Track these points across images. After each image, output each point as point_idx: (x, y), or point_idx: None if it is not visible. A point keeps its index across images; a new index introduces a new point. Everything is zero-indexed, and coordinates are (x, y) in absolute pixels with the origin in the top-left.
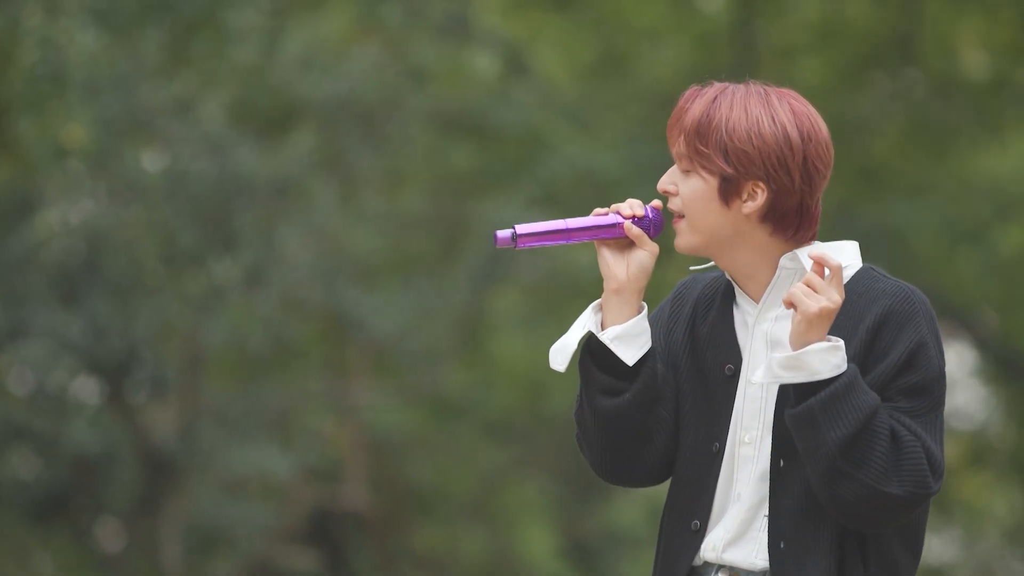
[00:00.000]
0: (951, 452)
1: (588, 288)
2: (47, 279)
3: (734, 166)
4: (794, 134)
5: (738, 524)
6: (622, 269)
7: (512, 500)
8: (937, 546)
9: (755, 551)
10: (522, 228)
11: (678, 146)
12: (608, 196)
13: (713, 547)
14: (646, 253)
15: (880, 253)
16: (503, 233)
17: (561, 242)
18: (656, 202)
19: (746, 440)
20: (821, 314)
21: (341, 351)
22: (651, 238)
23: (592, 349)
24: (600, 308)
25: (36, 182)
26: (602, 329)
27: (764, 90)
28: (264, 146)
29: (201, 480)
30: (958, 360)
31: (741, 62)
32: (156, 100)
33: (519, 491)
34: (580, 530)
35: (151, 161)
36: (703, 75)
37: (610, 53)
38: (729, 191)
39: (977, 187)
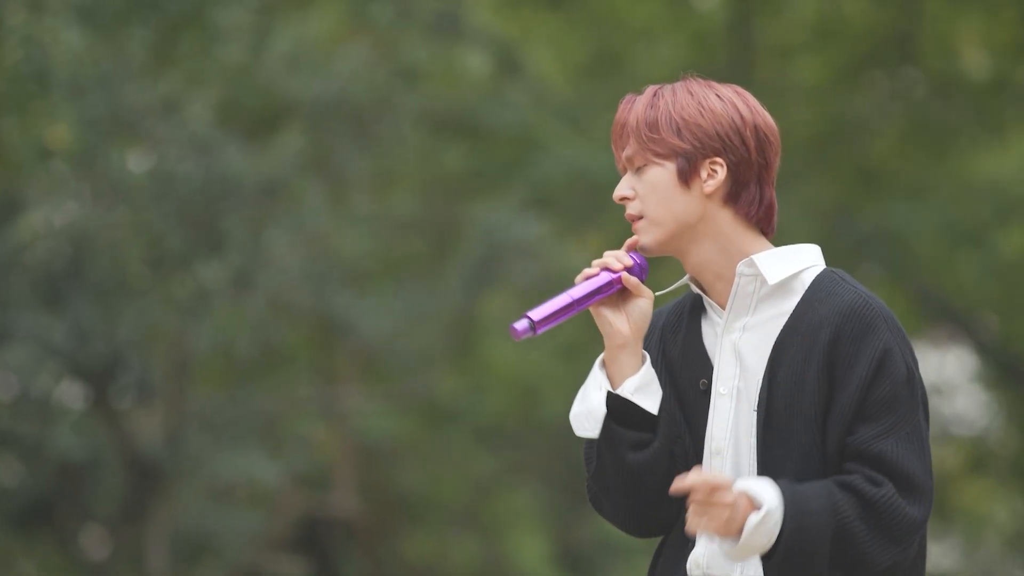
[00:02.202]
0: (952, 459)
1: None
2: (31, 282)
3: (689, 141)
4: (741, 105)
5: (708, 543)
6: (624, 323)
7: (504, 507)
8: (937, 553)
9: (740, 566)
10: (536, 315)
11: (627, 150)
12: (602, 197)
13: (696, 564)
14: (645, 300)
15: (879, 256)
16: (520, 325)
17: (573, 314)
18: (631, 240)
19: (715, 450)
20: (729, 524)
21: (330, 356)
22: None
23: (610, 408)
24: (604, 364)
25: (20, 183)
26: (615, 386)
27: (702, 79)
28: (252, 147)
29: (188, 487)
30: (958, 365)
31: (737, 61)
32: (142, 100)
33: (511, 498)
34: (573, 538)
35: (137, 162)
36: (698, 74)
37: (604, 52)
38: (688, 171)
39: (977, 188)
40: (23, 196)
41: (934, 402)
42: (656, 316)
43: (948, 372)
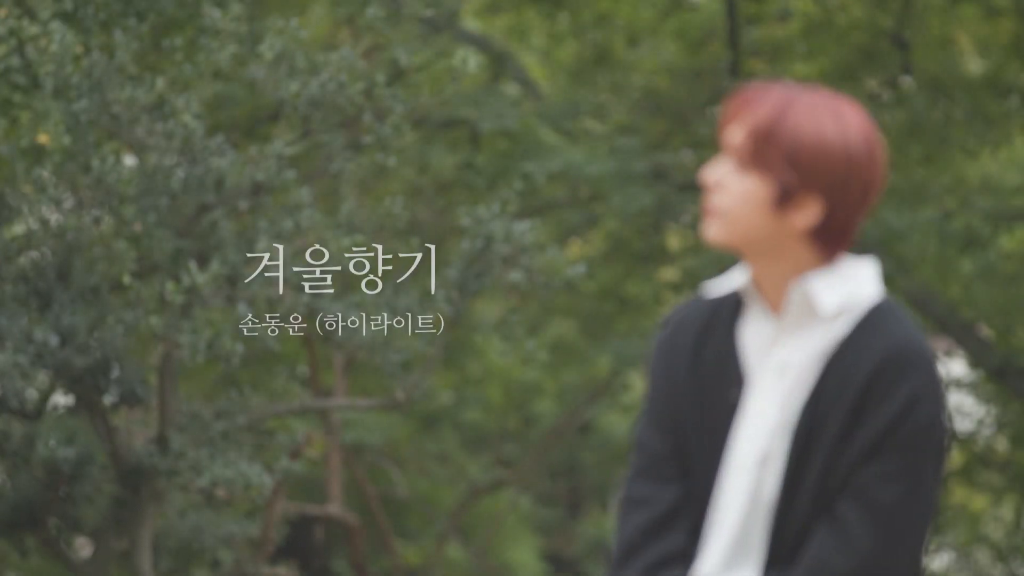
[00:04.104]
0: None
1: (573, 297)
2: (18, 285)
3: (800, 171)
4: (862, 151)
5: (718, 557)
6: None
7: (497, 512)
8: (930, 551)
9: None
10: None
11: (736, 136)
12: (594, 199)
13: None
14: None
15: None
16: None
17: None
18: None
19: (739, 466)
20: None
21: (322, 360)
22: None
23: None
24: None
25: (6, 185)
26: None
27: (833, 100)
28: (243, 148)
29: (177, 491)
30: (952, 370)
31: (732, 60)
32: (132, 102)
33: (504, 502)
34: (566, 542)
35: (126, 164)
36: (692, 74)
37: (598, 53)
38: (786, 200)
39: (974, 192)
40: (9, 198)
41: None
42: (686, 312)
43: (943, 372)
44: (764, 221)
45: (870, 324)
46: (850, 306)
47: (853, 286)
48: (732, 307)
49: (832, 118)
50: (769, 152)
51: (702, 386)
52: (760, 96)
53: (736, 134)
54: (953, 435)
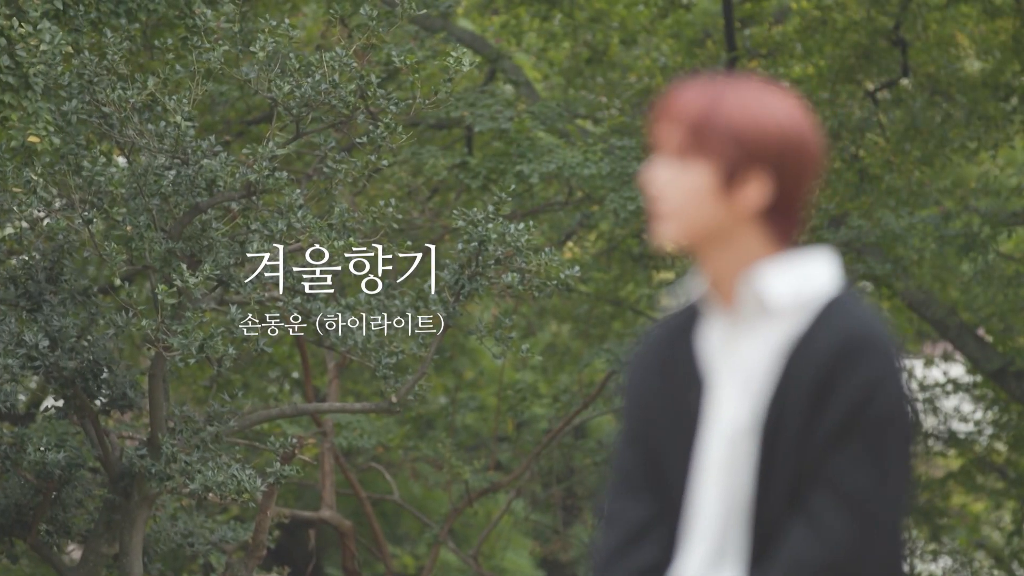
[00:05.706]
0: (942, 469)
1: (567, 299)
2: (7, 287)
3: (744, 152)
4: (799, 122)
5: (698, 561)
6: None
7: (492, 516)
8: (928, 558)
9: None
10: None
11: (672, 134)
12: (590, 199)
13: None
14: None
15: (870, 263)
16: None
17: None
18: None
19: (706, 473)
20: None
21: (314, 363)
22: None
23: None
24: None
25: None
26: None
27: (760, 84)
28: (235, 149)
29: (169, 495)
30: (949, 373)
31: (728, 60)
32: (123, 102)
33: (498, 507)
34: (561, 547)
35: (117, 165)
36: (688, 74)
37: (593, 53)
38: (733, 180)
39: (972, 194)
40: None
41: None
42: (653, 335)
43: (939, 376)
44: (714, 209)
45: (826, 317)
46: (803, 297)
47: (803, 275)
48: (693, 315)
49: (762, 97)
50: (709, 135)
51: (670, 397)
52: (686, 90)
53: (670, 130)
54: (920, 423)
